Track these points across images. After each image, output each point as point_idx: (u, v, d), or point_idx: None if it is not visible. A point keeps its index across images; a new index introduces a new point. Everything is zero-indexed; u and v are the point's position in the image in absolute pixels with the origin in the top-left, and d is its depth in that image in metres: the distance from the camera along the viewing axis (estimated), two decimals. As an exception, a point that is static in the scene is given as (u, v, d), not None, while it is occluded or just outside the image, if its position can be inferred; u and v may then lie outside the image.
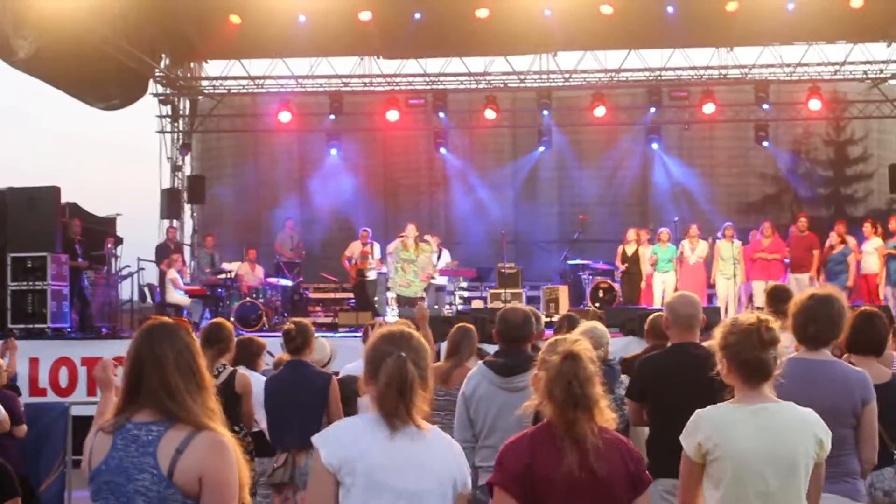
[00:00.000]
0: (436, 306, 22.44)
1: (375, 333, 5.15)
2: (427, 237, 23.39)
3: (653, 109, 28.98)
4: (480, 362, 8.34)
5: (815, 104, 27.94)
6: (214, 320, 11.08)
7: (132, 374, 4.76)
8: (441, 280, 23.66)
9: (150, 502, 4.60)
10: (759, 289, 22.98)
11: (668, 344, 8.20)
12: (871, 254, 22.72)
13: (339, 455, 4.80)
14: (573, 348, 5.04)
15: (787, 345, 6.69)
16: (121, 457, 4.66)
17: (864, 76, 29.23)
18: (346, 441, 4.85)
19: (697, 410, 5.44)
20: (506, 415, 7.69)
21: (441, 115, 29.10)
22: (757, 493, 5.21)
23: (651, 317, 10.64)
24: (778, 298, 8.96)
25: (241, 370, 10.39)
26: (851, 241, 23.16)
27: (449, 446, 5.04)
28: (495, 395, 7.88)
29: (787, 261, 23.45)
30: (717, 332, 5.57)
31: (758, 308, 20.27)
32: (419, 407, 4.87)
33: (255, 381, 10.49)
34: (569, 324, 10.51)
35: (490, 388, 7.91)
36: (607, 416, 5.01)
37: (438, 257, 24.24)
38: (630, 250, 23.93)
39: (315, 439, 4.89)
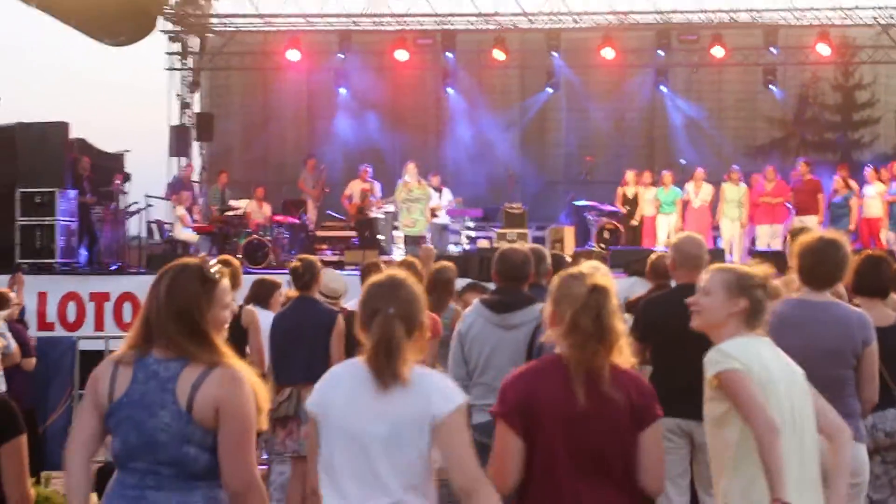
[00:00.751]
0: (440, 245, 22.48)
1: (368, 281, 5.16)
2: (430, 179, 23.51)
3: (661, 52, 28.91)
4: (476, 300, 8.45)
5: (823, 49, 27.89)
6: (221, 257, 11.20)
7: (151, 312, 4.85)
8: (444, 219, 23.70)
9: (171, 438, 4.67)
10: (763, 232, 23.11)
11: (673, 284, 8.29)
12: (873, 198, 22.77)
13: (315, 400, 4.99)
14: (600, 281, 5.03)
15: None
16: (142, 391, 4.73)
17: (874, 21, 29.09)
18: (326, 388, 5.02)
19: (715, 347, 5.38)
20: (500, 352, 7.80)
21: (449, 54, 29.03)
22: (791, 418, 5.22)
23: (652, 257, 10.72)
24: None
25: (249, 306, 10.51)
26: (854, 185, 23.21)
27: (430, 386, 4.92)
28: (490, 332, 7.95)
29: (789, 204, 23.50)
30: (729, 273, 5.57)
31: (761, 252, 20.43)
32: (408, 361, 4.89)
33: (264, 318, 10.62)
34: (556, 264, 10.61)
35: (485, 326, 7.98)
36: (626, 353, 5.02)
37: (440, 196, 24.28)
38: (630, 192, 23.98)
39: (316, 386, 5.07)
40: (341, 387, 4.97)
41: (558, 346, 5.04)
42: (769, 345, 5.42)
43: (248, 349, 10.45)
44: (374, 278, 5.12)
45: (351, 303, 10.80)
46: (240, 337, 10.22)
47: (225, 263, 9.91)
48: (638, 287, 16.47)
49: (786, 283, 7.24)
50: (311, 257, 10.90)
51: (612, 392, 4.90)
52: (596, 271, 5.21)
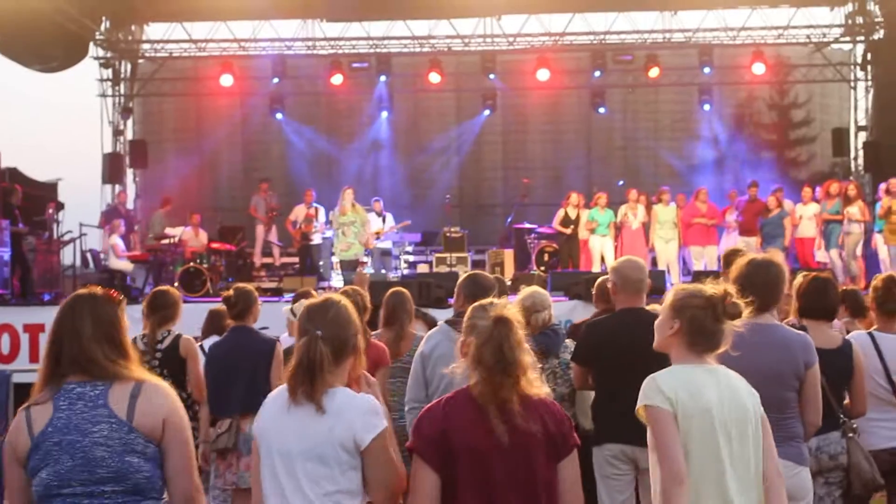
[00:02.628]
0: (382, 270, 22.40)
1: (304, 304, 5.26)
2: (372, 207, 23.45)
3: (598, 73, 28.96)
4: (442, 322, 8.36)
5: (758, 68, 28.10)
6: (159, 287, 11.02)
7: (54, 345, 4.88)
8: (386, 244, 23.59)
9: (111, 451, 4.66)
10: (697, 254, 23.20)
11: (616, 308, 8.23)
12: (809, 219, 22.86)
13: (256, 424, 5.17)
14: (504, 313, 5.00)
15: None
16: (67, 416, 4.69)
17: (808, 40, 29.37)
18: (264, 410, 5.17)
19: (651, 374, 5.32)
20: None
21: (383, 78, 28.94)
22: (726, 448, 5.15)
23: (598, 281, 10.64)
24: (731, 262, 8.97)
25: (187, 336, 10.33)
26: (788, 204, 23.31)
27: (348, 408, 4.98)
28: (455, 353, 7.82)
29: (720, 226, 23.62)
30: (674, 295, 5.47)
31: (703, 272, 20.45)
32: (331, 381, 4.98)
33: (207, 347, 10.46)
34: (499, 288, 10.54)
35: (450, 347, 7.83)
36: (536, 385, 4.98)
37: (384, 221, 24.17)
38: (573, 213, 23.92)
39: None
40: (271, 409, 5.11)
41: (470, 377, 5.02)
42: (711, 372, 5.31)
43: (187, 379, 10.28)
44: (307, 302, 5.23)
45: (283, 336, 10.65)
46: (178, 366, 10.06)
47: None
48: (579, 310, 16.48)
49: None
50: (247, 286, 10.71)
51: (525, 423, 4.86)
52: (503, 304, 5.17)
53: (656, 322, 5.52)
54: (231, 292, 10.01)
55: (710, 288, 5.39)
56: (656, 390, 5.20)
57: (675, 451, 5.11)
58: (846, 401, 7.43)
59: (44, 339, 18.25)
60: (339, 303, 5.17)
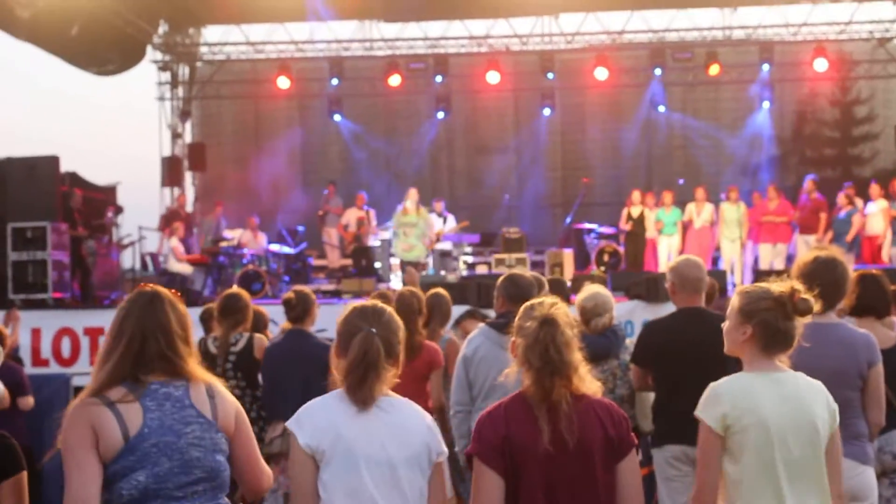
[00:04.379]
0: (442, 272, 22.33)
1: (348, 308, 5.22)
2: (433, 206, 23.43)
3: (658, 71, 28.76)
4: (482, 324, 8.38)
5: (820, 64, 27.75)
6: (230, 291, 11.06)
7: (134, 342, 4.84)
8: (446, 245, 23.51)
9: (204, 451, 4.77)
10: (766, 251, 22.95)
11: (675, 308, 8.15)
12: (875, 215, 22.59)
13: (315, 436, 4.88)
14: (550, 313, 4.98)
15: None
16: (160, 416, 4.74)
17: (870, 35, 29.08)
18: (320, 421, 4.93)
19: (712, 383, 5.24)
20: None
21: (439, 78, 28.88)
22: (782, 460, 5.05)
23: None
24: None
25: (259, 335, 10.36)
26: (859, 202, 23.07)
27: (420, 415, 5.05)
28: (498, 355, 7.74)
29: (793, 223, 23.36)
30: (741, 298, 5.34)
31: (765, 272, 20.28)
32: (387, 381, 4.96)
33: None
34: (557, 288, 10.46)
35: (492, 349, 7.89)
36: (588, 382, 4.96)
37: (444, 222, 24.14)
38: (636, 213, 23.77)
39: (290, 424, 4.96)
40: (335, 415, 4.95)
41: (522, 380, 5.03)
42: (776, 382, 5.21)
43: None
44: (356, 304, 5.22)
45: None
46: (252, 367, 10.22)
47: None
48: (639, 310, 16.32)
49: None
50: (306, 288, 10.70)
51: (581, 424, 4.86)
52: (551, 303, 5.12)
53: (725, 328, 5.41)
54: (292, 295, 10.03)
55: (776, 287, 5.28)
56: (712, 401, 5.17)
57: (709, 478, 5.13)
58: None
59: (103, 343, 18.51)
60: (388, 308, 5.19)
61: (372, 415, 4.88)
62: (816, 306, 5.34)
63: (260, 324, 11.06)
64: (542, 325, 4.91)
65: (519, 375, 5.06)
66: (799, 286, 5.27)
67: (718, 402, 5.13)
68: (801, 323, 5.27)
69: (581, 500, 4.85)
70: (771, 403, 5.10)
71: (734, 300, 5.40)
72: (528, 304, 5.20)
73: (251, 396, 10.24)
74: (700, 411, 5.17)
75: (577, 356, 4.95)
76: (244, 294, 10.63)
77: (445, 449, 5.04)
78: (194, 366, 4.92)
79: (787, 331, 5.21)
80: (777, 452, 5.05)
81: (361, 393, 4.88)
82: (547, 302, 5.12)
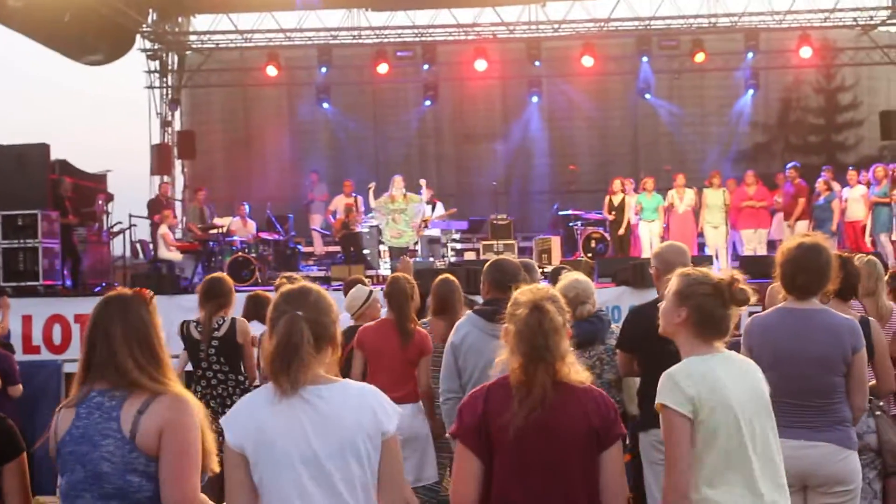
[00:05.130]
0: (430, 258, 22.39)
1: (278, 293, 4.96)
2: (422, 188, 23.46)
3: (645, 59, 28.91)
4: (469, 311, 8.23)
5: (805, 52, 27.99)
6: (213, 275, 11.03)
7: (87, 347, 4.79)
8: (434, 232, 23.59)
9: (114, 468, 4.58)
10: (748, 237, 23.12)
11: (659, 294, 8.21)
12: (856, 200, 22.73)
13: (239, 434, 4.61)
14: (539, 299, 5.02)
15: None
16: (84, 425, 4.64)
17: (854, 23, 29.19)
18: (244, 417, 4.68)
19: (666, 371, 5.25)
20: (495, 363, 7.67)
21: (426, 66, 29.07)
22: (750, 437, 5.10)
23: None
24: None
25: (242, 319, 10.40)
26: (836, 187, 23.24)
27: (358, 398, 4.70)
28: (486, 343, 7.57)
29: (773, 209, 23.54)
30: (679, 281, 5.38)
31: (750, 257, 20.47)
32: (318, 365, 4.68)
33: (258, 330, 10.51)
34: (553, 277, 10.53)
35: (480, 337, 7.73)
36: (577, 370, 4.97)
37: (433, 209, 24.23)
38: (616, 200, 23.89)
39: (222, 421, 4.71)
40: (258, 411, 4.67)
41: (509, 365, 5.02)
42: (726, 361, 5.26)
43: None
44: (284, 289, 4.91)
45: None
46: (234, 351, 10.25)
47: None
48: (626, 296, 16.43)
49: (774, 291, 7.19)
50: (298, 276, 10.73)
51: (562, 412, 4.89)
52: (542, 289, 5.18)
53: (662, 308, 5.47)
54: (286, 281, 10.02)
55: (716, 274, 5.34)
56: (673, 388, 5.14)
57: (683, 465, 5.08)
58: (872, 381, 7.22)
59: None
60: (316, 289, 4.87)
61: (297, 407, 4.56)
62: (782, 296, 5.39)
63: (263, 309, 10.99)
64: (531, 311, 4.95)
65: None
66: (739, 276, 5.30)
67: (681, 386, 5.11)
68: (736, 312, 5.29)
69: (556, 485, 4.89)
70: (732, 383, 5.14)
71: (673, 281, 5.43)
72: (519, 290, 5.22)
73: (234, 381, 10.34)
74: (663, 398, 5.14)
75: (566, 344, 4.97)
76: (227, 278, 10.61)
77: (391, 427, 4.68)
78: (148, 374, 4.69)
79: (721, 318, 5.25)
80: (745, 429, 5.09)
81: (286, 381, 4.55)
82: (540, 288, 5.19)
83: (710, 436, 5.11)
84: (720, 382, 5.13)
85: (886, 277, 8.99)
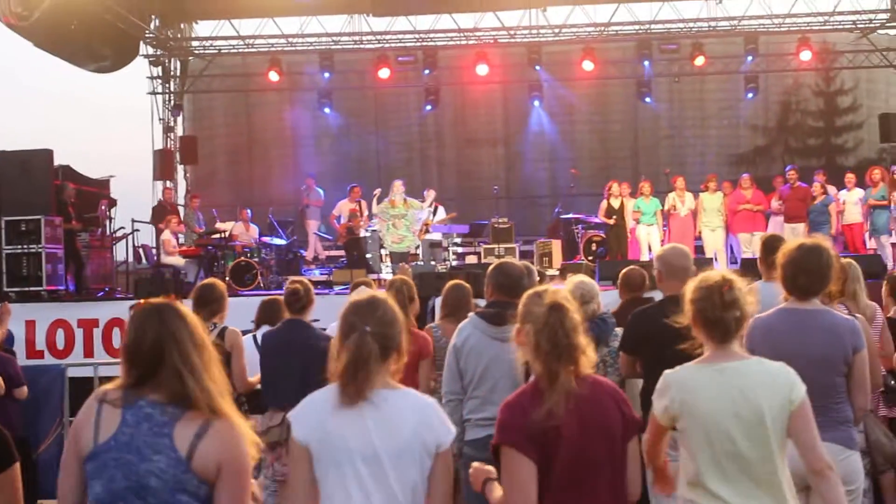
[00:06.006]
0: (432, 262, 22.41)
1: (348, 300, 5.10)
2: (426, 198, 23.52)
3: (645, 63, 29.02)
4: (472, 314, 8.26)
5: (804, 55, 28.09)
6: (206, 280, 10.92)
7: (149, 354, 4.60)
8: (436, 236, 23.61)
9: (163, 485, 4.47)
10: (745, 241, 23.16)
11: (661, 296, 8.26)
12: (854, 204, 22.83)
13: (306, 430, 4.84)
14: (558, 299, 5.09)
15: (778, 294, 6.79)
16: (132, 433, 4.50)
17: (854, 26, 29.21)
18: (311, 414, 4.89)
19: (666, 371, 5.40)
20: (496, 365, 7.67)
21: (428, 71, 29.21)
22: (726, 454, 5.14)
23: (623, 271, 10.76)
24: (772, 248, 8.83)
25: (232, 328, 10.37)
26: (832, 189, 23.30)
27: (414, 407, 4.90)
28: (487, 345, 7.78)
29: (768, 212, 23.60)
30: (689, 287, 5.50)
31: (751, 260, 20.47)
32: (383, 374, 4.87)
33: (247, 339, 10.51)
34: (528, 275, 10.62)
35: (482, 339, 7.82)
36: (586, 363, 5.04)
37: (434, 213, 24.27)
38: (616, 204, 23.95)
39: (290, 416, 4.93)
40: (325, 410, 4.87)
41: (532, 366, 5.09)
42: (720, 372, 5.30)
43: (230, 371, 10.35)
44: (353, 297, 5.07)
45: (331, 327, 10.62)
46: (223, 359, 10.11)
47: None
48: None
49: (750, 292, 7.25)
50: (306, 280, 10.71)
51: (597, 405, 4.98)
52: (557, 290, 5.27)
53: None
54: (299, 286, 10.03)
55: (712, 275, 5.44)
56: (661, 391, 5.37)
57: (649, 451, 5.41)
58: None
59: (98, 334, 18.59)
60: (384, 300, 5.04)
61: (361, 407, 4.77)
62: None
63: (276, 315, 10.97)
64: (550, 310, 5.02)
65: (510, 365, 5.15)
66: (729, 276, 5.40)
67: (666, 391, 5.30)
68: (740, 313, 5.34)
69: (605, 477, 4.97)
70: (708, 396, 5.21)
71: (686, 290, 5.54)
72: (533, 290, 5.33)
73: None
74: (653, 398, 5.38)
75: (584, 339, 5.05)
76: (219, 284, 10.48)
77: (447, 440, 4.87)
78: (208, 387, 4.62)
79: (719, 320, 5.31)
80: (718, 447, 5.16)
81: (351, 391, 4.78)
82: (552, 289, 5.27)
83: (690, 447, 5.26)
84: (695, 394, 5.25)
85: (885, 279, 9.07)
